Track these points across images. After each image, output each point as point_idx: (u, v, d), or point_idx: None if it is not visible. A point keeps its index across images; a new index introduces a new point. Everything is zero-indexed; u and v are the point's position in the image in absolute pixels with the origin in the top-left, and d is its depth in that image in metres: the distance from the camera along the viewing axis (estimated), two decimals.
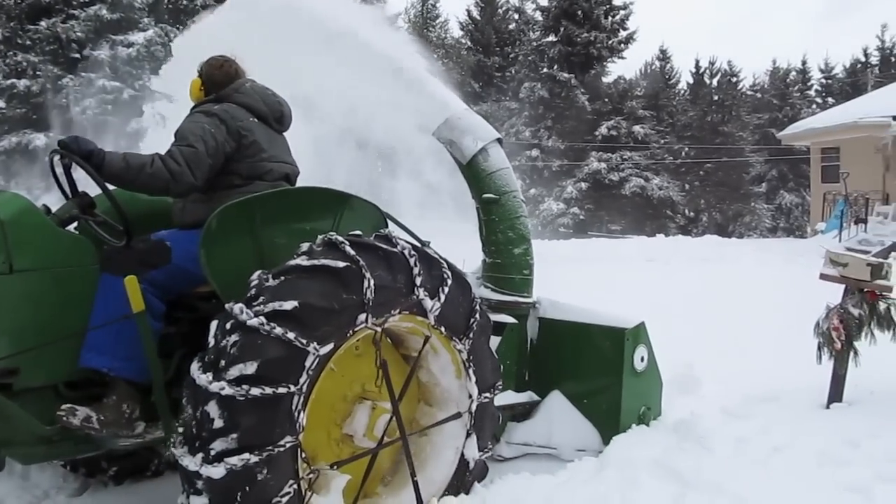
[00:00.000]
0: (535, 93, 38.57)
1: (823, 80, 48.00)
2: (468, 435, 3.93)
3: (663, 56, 48.27)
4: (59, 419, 3.13)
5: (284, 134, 4.17)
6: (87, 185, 3.55)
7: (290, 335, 3.05)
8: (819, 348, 5.35)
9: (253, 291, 3.17)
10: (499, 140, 5.27)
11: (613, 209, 37.85)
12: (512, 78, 43.35)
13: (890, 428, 4.73)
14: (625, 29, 39.85)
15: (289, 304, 3.08)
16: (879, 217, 20.72)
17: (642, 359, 4.94)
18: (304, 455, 3.18)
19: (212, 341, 3.12)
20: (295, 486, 3.14)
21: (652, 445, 4.63)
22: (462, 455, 3.94)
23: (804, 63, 47.95)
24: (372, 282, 3.32)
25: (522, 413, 5.02)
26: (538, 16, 42.11)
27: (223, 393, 2.95)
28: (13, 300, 3.16)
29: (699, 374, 5.92)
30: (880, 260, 5.41)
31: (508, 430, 4.90)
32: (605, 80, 39.99)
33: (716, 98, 44.89)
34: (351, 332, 3.31)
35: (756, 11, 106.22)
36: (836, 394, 5.34)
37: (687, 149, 42.24)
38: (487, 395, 3.99)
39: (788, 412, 5.19)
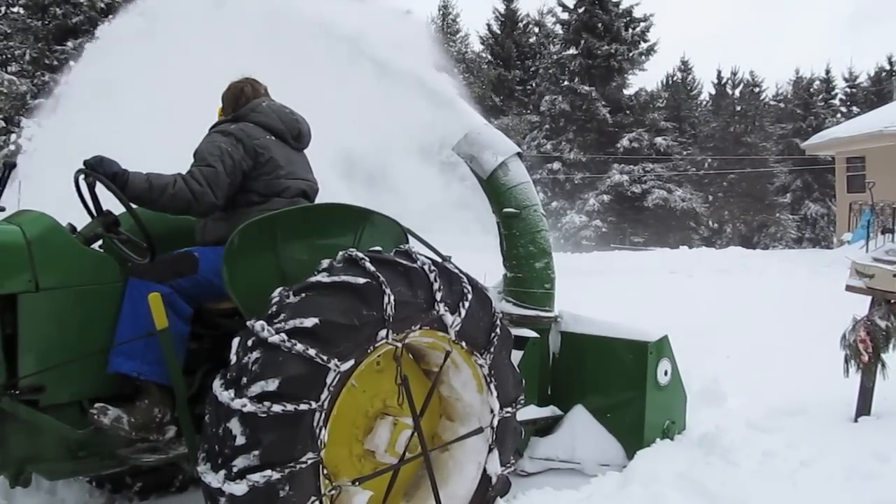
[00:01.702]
0: (557, 106, 38.58)
1: (848, 89, 47.59)
2: (490, 450, 3.91)
3: (685, 67, 48.28)
4: (90, 417, 3.18)
5: (305, 151, 4.22)
6: (111, 202, 3.56)
7: (311, 352, 3.06)
8: (846, 361, 5.28)
9: (274, 308, 3.19)
10: (519, 154, 5.28)
11: (636, 221, 37.71)
12: (533, 91, 43.43)
13: None
14: (645, 41, 39.86)
15: (309, 322, 3.09)
16: None
17: (666, 372, 4.92)
18: (325, 471, 3.18)
19: (233, 358, 3.14)
20: (317, 502, 3.14)
21: (677, 460, 4.59)
22: (484, 470, 3.91)
23: (828, 72, 47.67)
24: (392, 297, 3.31)
25: (545, 428, 4.99)
26: (558, 29, 42.23)
27: (245, 410, 2.97)
28: (39, 318, 3.19)
29: (724, 387, 5.87)
30: None
31: (531, 445, 4.87)
32: (626, 92, 39.90)
33: (738, 108, 44.69)
34: (371, 347, 3.31)
35: (778, 21, 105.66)
36: (863, 407, 5.27)
37: (710, 160, 42.06)
38: (509, 409, 3.96)
39: (815, 426, 5.13)
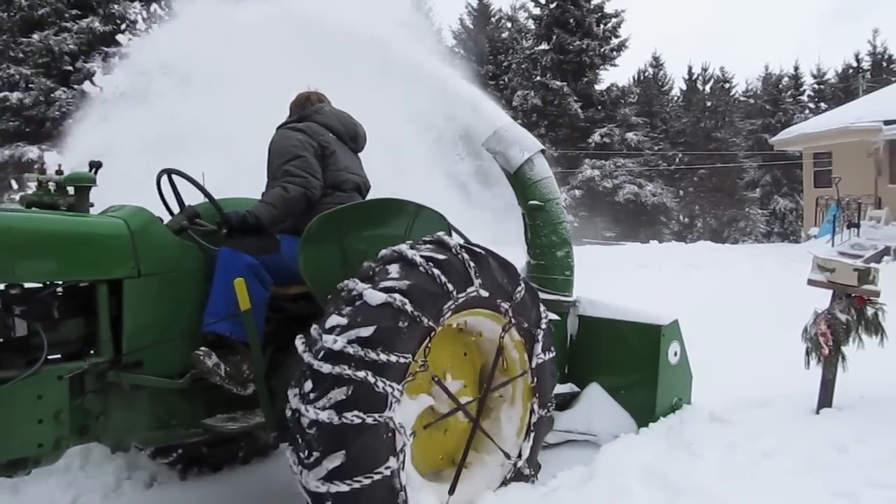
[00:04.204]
0: (529, 101, 38.65)
1: (816, 86, 48.16)
2: (533, 392, 4.24)
3: (656, 63, 48.55)
4: (195, 357, 3.59)
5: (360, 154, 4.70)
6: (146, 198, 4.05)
7: (408, 307, 3.43)
8: (808, 354, 5.36)
9: (373, 272, 3.59)
10: (542, 151, 5.77)
11: (607, 216, 37.90)
12: (505, 86, 43.43)
13: (878, 433, 4.73)
14: (617, 37, 39.98)
15: (403, 284, 3.48)
16: (872, 221, 20.81)
17: (675, 353, 5.32)
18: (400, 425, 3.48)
19: (329, 313, 3.48)
20: (392, 457, 3.41)
21: (642, 452, 4.65)
22: (531, 410, 4.28)
23: (797, 69, 48.22)
24: (479, 276, 3.79)
25: (563, 403, 5.30)
26: (531, 24, 42.28)
27: (346, 351, 3.31)
28: (140, 301, 3.59)
29: None
30: (867, 265, 5.43)
31: None
32: (597, 87, 40.04)
33: (709, 104, 45.07)
34: (449, 314, 3.68)
35: (752, 19, 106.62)
36: (825, 399, 5.34)
37: (681, 155, 42.38)
38: (542, 356, 4.26)
39: (778, 418, 5.19)
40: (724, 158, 42.14)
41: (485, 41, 45.54)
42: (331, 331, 3.40)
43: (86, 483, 4.61)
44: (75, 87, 22.43)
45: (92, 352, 3.53)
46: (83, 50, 23.21)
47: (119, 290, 3.54)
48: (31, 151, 22.52)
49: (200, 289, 3.79)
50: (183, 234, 4.00)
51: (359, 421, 3.27)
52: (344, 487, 3.27)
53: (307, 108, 4.57)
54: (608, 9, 39.56)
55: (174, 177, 4.13)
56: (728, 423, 5.10)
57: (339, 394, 3.28)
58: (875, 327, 5.26)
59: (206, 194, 4.01)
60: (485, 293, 3.84)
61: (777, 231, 42.26)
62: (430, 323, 3.54)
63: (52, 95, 22.79)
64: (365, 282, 3.52)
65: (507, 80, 43.69)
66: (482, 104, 6.01)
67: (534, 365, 4.22)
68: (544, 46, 39.35)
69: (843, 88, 45.19)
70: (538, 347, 4.23)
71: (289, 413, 3.43)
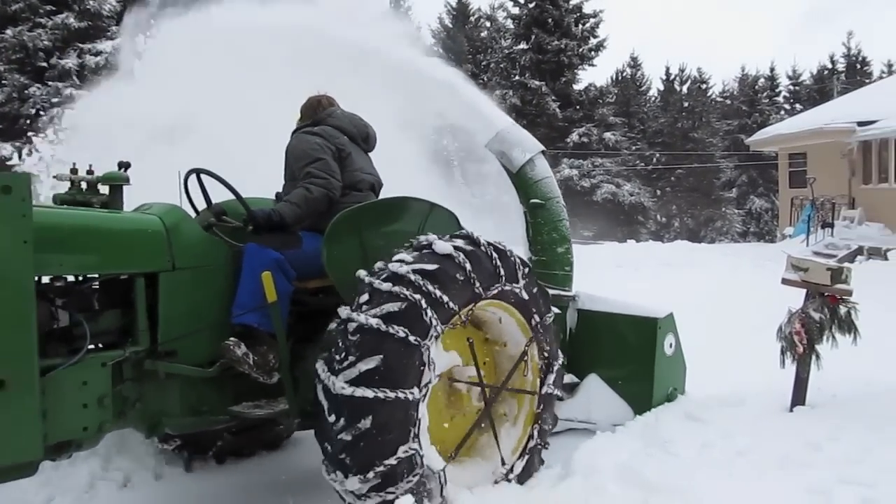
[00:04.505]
0: (507, 100, 38.62)
1: (791, 87, 48.58)
2: (536, 419, 4.49)
3: (634, 63, 48.76)
4: (225, 347, 3.80)
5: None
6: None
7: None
8: (782, 352, 5.41)
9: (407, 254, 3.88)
10: (543, 152, 6.02)
11: (585, 215, 37.98)
12: (484, 85, 43.34)
13: (851, 430, 4.79)
14: (595, 37, 40.07)
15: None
16: (846, 221, 21.06)
17: (670, 345, 5.55)
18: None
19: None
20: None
21: (617, 451, 4.67)
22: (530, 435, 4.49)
23: (772, 70, 48.53)
24: (524, 279, 4.21)
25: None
26: (509, 24, 42.31)
27: (408, 277, 3.66)
28: (174, 293, 3.80)
29: None
30: (840, 264, 5.49)
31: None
32: (576, 87, 40.12)
33: (686, 105, 45.30)
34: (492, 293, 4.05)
35: (725, 19, 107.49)
36: (798, 397, 5.39)
37: (658, 155, 42.58)
38: (551, 388, 4.55)
39: (752, 416, 5.24)
40: (700, 158, 42.41)
41: (464, 40, 45.54)
42: (398, 263, 3.76)
43: (59, 483, 4.57)
44: (49, 83, 22.18)
45: (129, 341, 3.71)
46: (58, 46, 22.90)
47: (155, 282, 3.76)
48: (4, 149, 22.21)
49: (227, 282, 4.01)
50: (209, 231, 4.21)
51: (402, 335, 3.56)
52: (369, 393, 3.47)
53: (319, 112, 4.75)
54: (587, 9, 39.66)
55: (201, 175, 4.38)
56: (703, 422, 5.14)
57: (391, 307, 3.59)
58: (848, 326, 5.32)
59: (235, 193, 4.20)
60: (525, 296, 4.26)
61: (753, 231, 42.60)
62: (480, 290, 3.93)
63: (27, 92, 22.45)
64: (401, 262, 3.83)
65: (485, 79, 43.67)
66: (484, 106, 6.26)
67: (543, 392, 4.47)
68: (523, 46, 39.38)
69: (818, 90, 45.62)
70: (550, 378, 4.51)
71: (334, 325, 3.71)
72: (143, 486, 4.76)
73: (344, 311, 3.69)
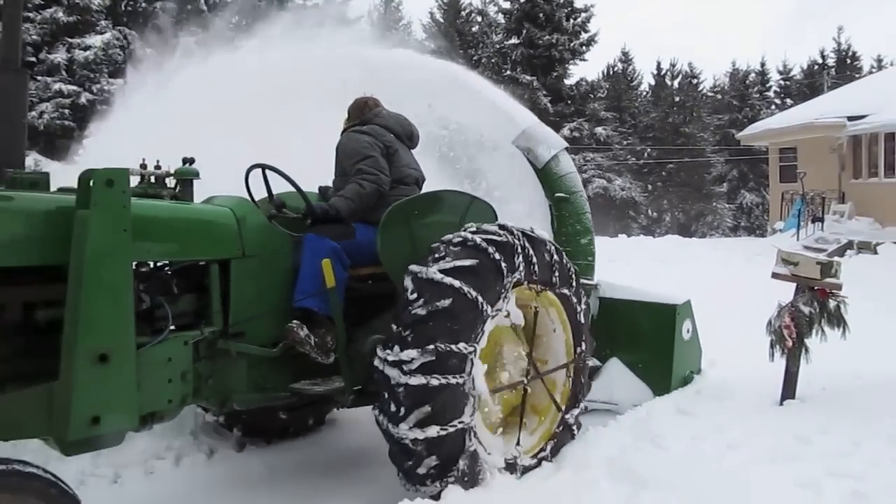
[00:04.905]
0: None
1: (782, 82, 48.68)
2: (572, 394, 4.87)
3: (625, 58, 48.77)
4: (290, 329, 4.10)
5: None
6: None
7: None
8: (772, 346, 5.44)
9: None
10: (566, 148, 6.46)
11: None
12: None
13: (840, 423, 4.82)
14: (586, 31, 40.07)
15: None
16: (836, 216, 21.11)
17: (688, 330, 5.88)
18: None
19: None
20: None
21: (608, 445, 4.68)
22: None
23: (763, 65, 48.68)
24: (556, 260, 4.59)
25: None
26: (500, 18, 42.24)
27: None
28: (244, 278, 4.13)
29: None
30: (829, 259, 5.51)
31: None
32: (567, 82, 40.13)
33: (677, 99, 45.34)
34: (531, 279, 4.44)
35: (716, 14, 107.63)
36: (788, 391, 5.42)
37: (649, 150, 42.63)
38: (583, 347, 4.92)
39: (742, 410, 5.26)
40: (692, 153, 42.46)
41: (455, 35, 45.46)
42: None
43: (118, 459, 4.71)
44: (38, 78, 22.05)
45: (204, 322, 4.01)
46: (46, 41, 22.79)
47: (227, 269, 4.09)
48: None
49: (288, 269, 4.34)
50: (271, 221, 4.51)
51: (474, 296, 4.01)
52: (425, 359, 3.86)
53: (367, 112, 5.07)
54: (578, 4, 39.66)
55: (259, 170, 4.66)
56: (693, 416, 5.15)
57: (464, 262, 4.08)
58: (837, 320, 5.35)
59: (297, 187, 4.47)
60: (565, 291, 4.71)
61: (744, 225, 42.70)
62: (519, 276, 4.33)
63: None
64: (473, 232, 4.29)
65: (477, 74, 43.62)
66: (510, 106, 6.70)
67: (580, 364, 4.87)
68: (514, 41, 39.33)
69: (809, 85, 45.74)
70: (583, 344, 4.90)
71: (409, 279, 4.09)
72: (197, 466, 4.99)
73: (416, 268, 4.13)
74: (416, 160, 5.17)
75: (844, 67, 46.55)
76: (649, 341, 5.80)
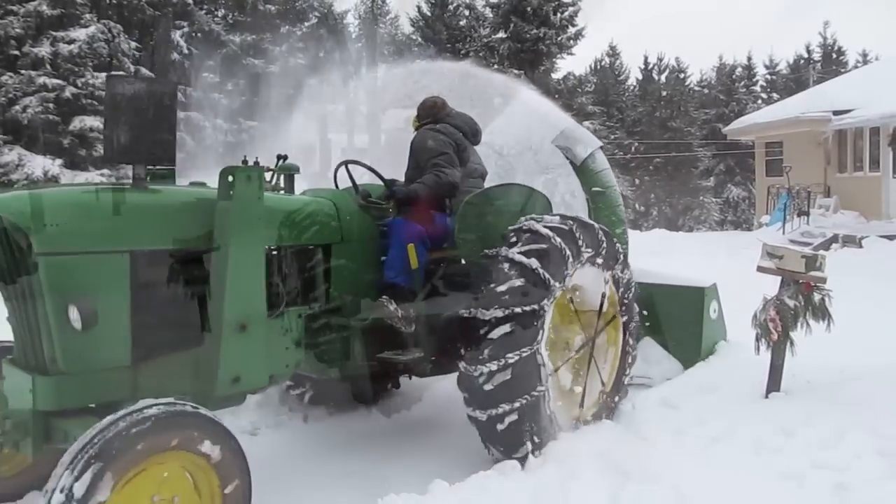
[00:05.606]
0: None
1: (768, 76, 48.85)
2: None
3: (613, 52, 48.85)
4: (380, 303, 4.62)
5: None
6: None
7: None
8: (757, 339, 5.45)
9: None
10: (601, 147, 7.03)
11: None
12: None
13: (824, 416, 4.84)
14: (573, 25, 40.00)
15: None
16: (821, 210, 21.22)
17: (714, 310, 6.40)
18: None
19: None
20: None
21: (595, 438, 4.70)
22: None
23: (750, 59, 48.80)
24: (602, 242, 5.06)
25: None
26: (488, 12, 42.15)
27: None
28: (343, 261, 4.68)
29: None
30: (814, 252, 5.52)
31: None
32: (554, 76, 40.09)
33: (664, 94, 45.40)
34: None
35: (703, 8, 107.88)
36: (773, 384, 5.44)
37: (636, 144, 42.70)
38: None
39: (727, 403, 5.28)
40: (679, 147, 42.57)
41: (442, 29, 45.37)
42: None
43: None
44: (22, 72, 21.86)
45: (310, 298, 4.54)
46: (30, 34, 22.56)
47: (328, 252, 4.64)
48: None
49: (375, 251, 4.90)
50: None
51: (546, 275, 4.48)
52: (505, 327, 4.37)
53: (438, 112, 5.51)
54: None
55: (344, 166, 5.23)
56: (678, 409, 5.18)
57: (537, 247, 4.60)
58: (822, 313, 5.37)
59: (380, 177, 5.08)
60: (616, 269, 5.26)
61: (730, 219, 42.86)
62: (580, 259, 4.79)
63: None
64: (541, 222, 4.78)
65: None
66: (546, 109, 7.47)
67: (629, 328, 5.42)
68: (502, 35, 39.27)
69: (795, 79, 45.89)
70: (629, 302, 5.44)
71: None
72: (269, 433, 5.39)
73: (498, 250, 4.60)
74: (479, 156, 5.67)
75: (830, 62, 46.73)
76: (680, 321, 6.25)
